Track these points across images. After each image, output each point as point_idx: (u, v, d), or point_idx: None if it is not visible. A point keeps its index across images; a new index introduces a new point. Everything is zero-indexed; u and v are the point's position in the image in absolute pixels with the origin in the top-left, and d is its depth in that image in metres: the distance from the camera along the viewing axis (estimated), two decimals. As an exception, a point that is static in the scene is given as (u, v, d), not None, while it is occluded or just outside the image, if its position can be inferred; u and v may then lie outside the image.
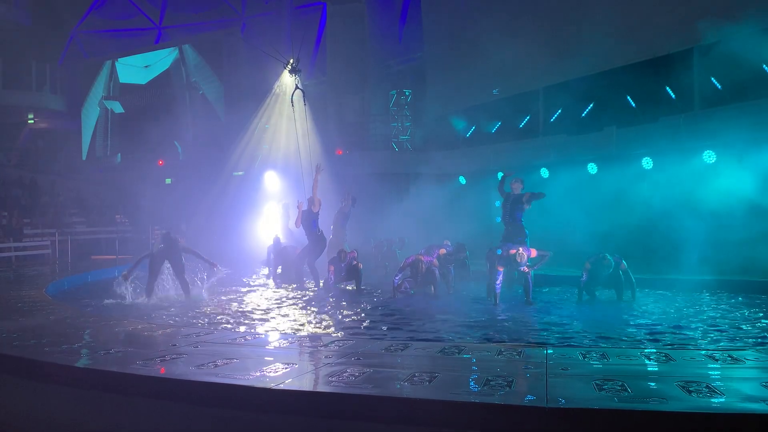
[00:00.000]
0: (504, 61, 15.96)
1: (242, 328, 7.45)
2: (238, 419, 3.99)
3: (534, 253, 9.13)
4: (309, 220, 11.37)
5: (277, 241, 12.98)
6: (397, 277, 10.02)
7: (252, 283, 12.63)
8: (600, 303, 9.10)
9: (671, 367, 4.48)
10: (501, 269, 9.10)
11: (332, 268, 10.77)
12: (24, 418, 4.71)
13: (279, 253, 12.65)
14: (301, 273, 11.72)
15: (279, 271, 12.74)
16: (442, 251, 10.63)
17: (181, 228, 10.19)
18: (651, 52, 12.96)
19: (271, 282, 12.65)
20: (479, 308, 8.79)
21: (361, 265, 10.84)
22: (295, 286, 11.58)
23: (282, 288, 11.60)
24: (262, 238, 16.53)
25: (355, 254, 10.95)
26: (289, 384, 4.10)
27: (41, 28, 26.22)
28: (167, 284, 10.41)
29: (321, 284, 11.05)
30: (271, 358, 4.90)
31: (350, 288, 10.99)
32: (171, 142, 24.51)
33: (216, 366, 4.56)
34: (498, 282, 9.08)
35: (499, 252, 9.22)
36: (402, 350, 5.20)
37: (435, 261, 10.03)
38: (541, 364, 4.57)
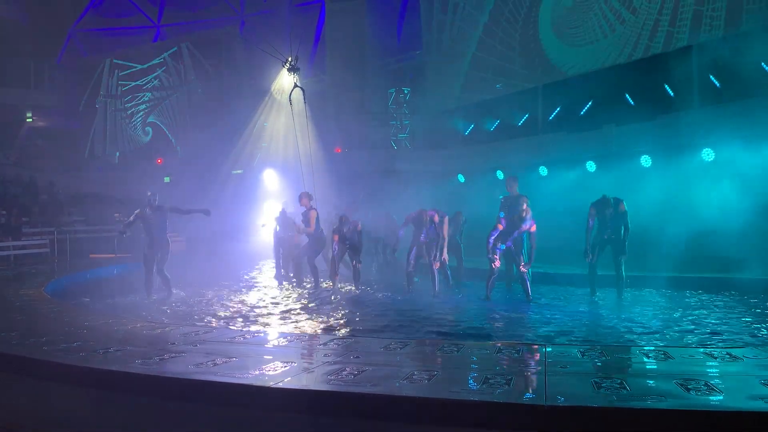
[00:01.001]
0: (503, 59, 15.96)
1: (241, 327, 7.45)
2: (237, 418, 3.99)
3: (534, 227, 9.11)
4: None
5: (283, 213, 12.81)
6: (401, 231, 10.16)
7: (251, 281, 12.63)
8: (599, 301, 9.10)
9: (670, 364, 4.48)
10: (497, 265, 9.16)
11: (336, 237, 10.76)
12: (22, 416, 4.71)
13: (281, 233, 12.55)
14: (300, 270, 11.73)
15: (283, 271, 12.66)
16: (436, 217, 10.37)
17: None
18: (650, 50, 12.97)
19: (272, 275, 12.62)
20: (478, 307, 8.80)
21: (360, 265, 10.83)
22: (294, 284, 11.60)
23: (282, 286, 11.60)
24: (262, 236, 16.51)
25: (358, 223, 10.93)
26: (288, 382, 4.10)
27: (39, 26, 26.17)
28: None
29: (328, 283, 11.06)
30: (270, 357, 4.89)
31: (350, 287, 10.99)
32: (170, 140, 24.50)
33: (215, 365, 4.56)
34: (493, 277, 9.17)
35: (503, 247, 9.23)
36: (401, 349, 5.20)
37: (436, 216, 9.95)
38: (540, 362, 4.58)
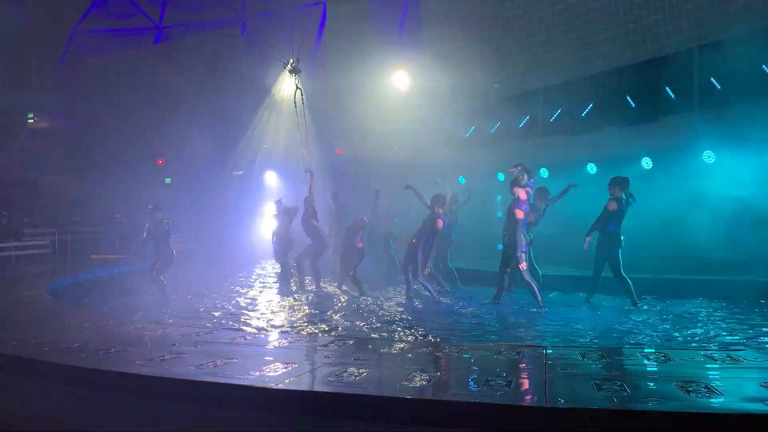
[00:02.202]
0: (504, 61, 15.98)
1: (242, 328, 7.45)
2: (238, 419, 3.99)
3: (523, 194, 8.80)
4: (311, 219, 11.39)
5: (279, 203, 12.58)
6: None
7: (252, 282, 12.64)
8: (599, 304, 9.09)
9: (670, 367, 4.48)
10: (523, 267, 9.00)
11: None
12: (23, 417, 4.71)
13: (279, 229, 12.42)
14: (303, 272, 11.73)
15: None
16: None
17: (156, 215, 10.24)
18: (651, 53, 12.97)
19: (273, 275, 12.55)
20: (478, 309, 8.79)
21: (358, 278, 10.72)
22: (296, 286, 11.60)
23: (282, 288, 11.60)
24: (262, 237, 16.53)
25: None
26: (288, 384, 4.11)
27: (41, 27, 26.20)
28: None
29: (330, 285, 11.06)
30: (271, 358, 4.90)
31: (353, 292, 10.98)
32: (171, 141, 24.50)
33: (216, 366, 4.57)
34: (504, 282, 9.12)
35: (500, 246, 9.16)
36: (402, 350, 5.21)
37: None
38: (540, 364, 4.58)
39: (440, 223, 9.56)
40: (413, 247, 9.64)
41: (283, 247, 12.35)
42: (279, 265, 12.48)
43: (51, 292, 10.04)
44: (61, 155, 27.76)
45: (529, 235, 9.16)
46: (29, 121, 27.18)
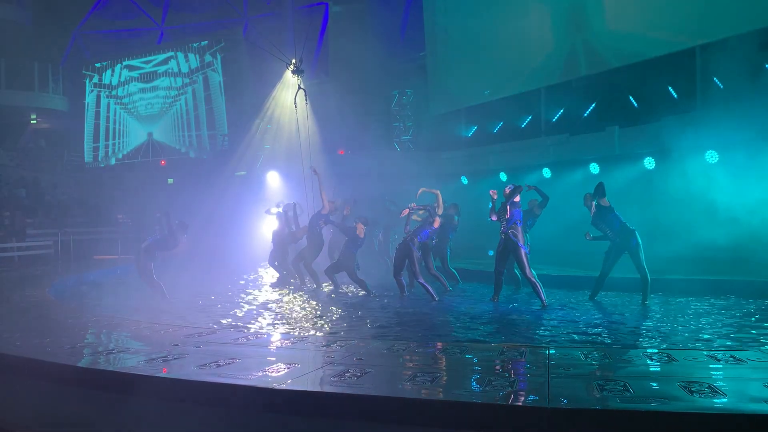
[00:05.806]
0: (506, 61, 15.98)
1: (244, 328, 7.45)
2: (240, 419, 3.99)
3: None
4: (318, 220, 11.44)
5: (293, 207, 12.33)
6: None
7: (254, 283, 12.64)
8: (602, 303, 9.08)
9: (673, 367, 4.47)
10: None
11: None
12: (26, 418, 4.72)
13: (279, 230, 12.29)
14: (302, 273, 11.73)
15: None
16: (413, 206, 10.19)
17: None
18: (653, 52, 12.97)
19: (274, 276, 12.55)
20: (480, 309, 8.78)
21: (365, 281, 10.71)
22: (295, 285, 11.62)
23: (284, 288, 11.61)
24: (264, 238, 16.52)
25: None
26: (291, 384, 4.10)
27: (43, 28, 26.26)
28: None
29: (333, 286, 11.07)
30: (273, 358, 4.90)
31: (352, 289, 10.98)
32: (173, 141, 24.58)
33: (218, 366, 4.57)
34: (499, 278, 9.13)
35: (491, 253, 9.19)
36: (404, 350, 5.20)
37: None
38: (543, 364, 4.57)
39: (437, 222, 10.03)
40: (409, 244, 9.70)
41: (278, 250, 12.30)
42: (274, 269, 12.48)
43: (54, 293, 10.06)
44: (63, 156, 27.86)
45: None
46: (32, 121, 27.26)
